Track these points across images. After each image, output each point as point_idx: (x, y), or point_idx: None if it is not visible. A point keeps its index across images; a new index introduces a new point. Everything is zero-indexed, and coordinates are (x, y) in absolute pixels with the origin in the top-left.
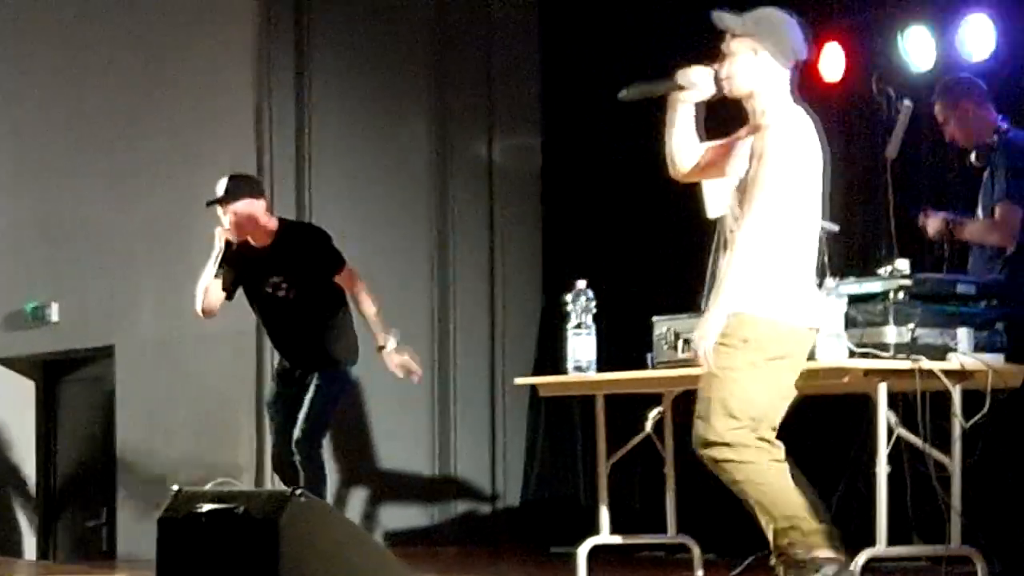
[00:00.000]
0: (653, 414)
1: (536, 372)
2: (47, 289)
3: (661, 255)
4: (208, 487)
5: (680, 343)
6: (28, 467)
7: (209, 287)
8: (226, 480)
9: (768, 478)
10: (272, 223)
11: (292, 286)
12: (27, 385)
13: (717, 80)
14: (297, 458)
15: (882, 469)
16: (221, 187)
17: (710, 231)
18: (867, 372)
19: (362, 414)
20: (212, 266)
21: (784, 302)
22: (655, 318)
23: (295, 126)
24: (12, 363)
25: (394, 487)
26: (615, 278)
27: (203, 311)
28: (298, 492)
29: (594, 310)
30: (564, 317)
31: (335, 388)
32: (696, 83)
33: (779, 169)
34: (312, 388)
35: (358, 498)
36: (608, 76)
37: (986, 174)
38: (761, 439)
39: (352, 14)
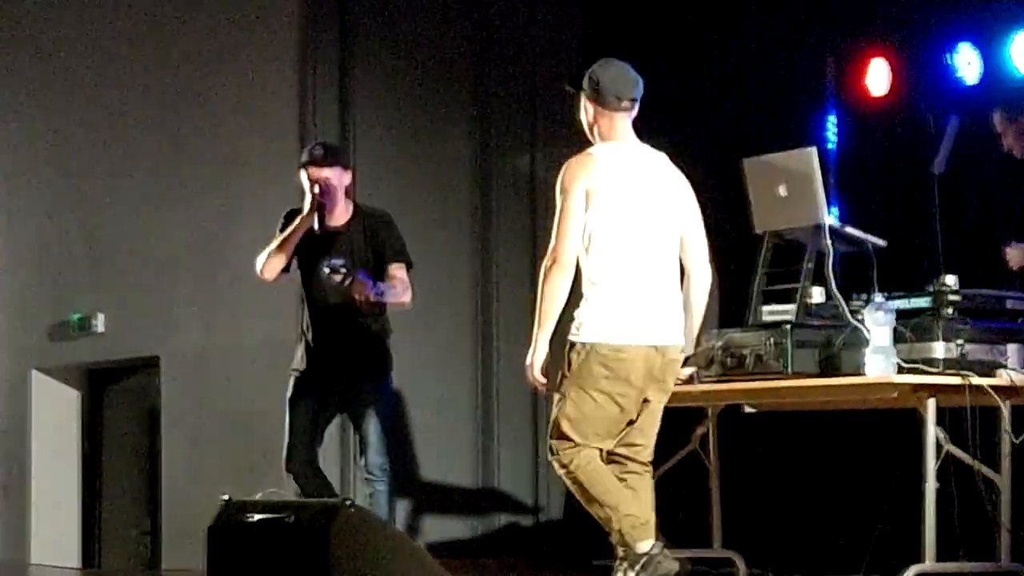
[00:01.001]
0: (699, 428)
1: None
2: (92, 300)
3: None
4: (257, 496)
5: (728, 359)
6: (72, 476)
7: (282, 251)
8: (274, 491)
9: (597, 482)
10: (349, 203)
11: (351, 272)
12: (72, 395)
13: None
14: (373, 477)
15: (931, 485)
16: (314, 151)
17: (757, 246)
18: (916, 387)
19: (405, 425)
20: (295, 231)
21: (601, 326)
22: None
23: (338, 139)
24: (58, 373)
25: (437, 499)
26: None
27: (263, 272)
28: (348, 502)
29: None
30: None
31: (393, 398)
32: None
33: (562, 203)
34: (372, 404)
35: (401, 509)
36: (650, 88)
37: None
38: (613, 458)
39: (395, 29)
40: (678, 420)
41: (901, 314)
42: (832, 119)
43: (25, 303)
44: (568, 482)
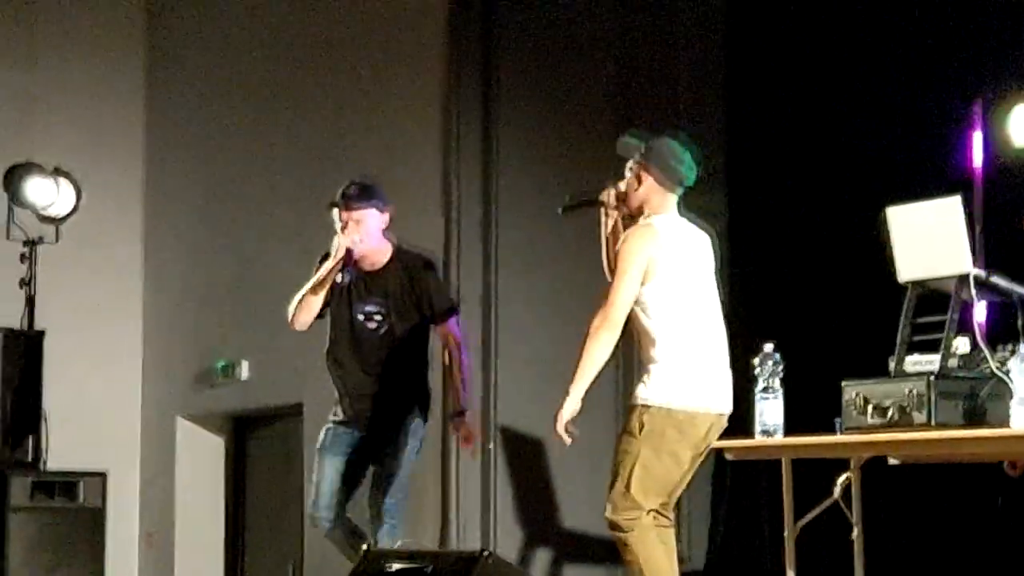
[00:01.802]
0: (841, 479)
1: (723, 436)
2: (237, 347)
3: (851, 318)
4: (398, 545)
5: (870, 408)
6: (217, 523)
7: (313, 298)
8: (412, 540)
9: (651, 555)
10: (387, 244)
11: (387, 319)
12: (216, 441)
13: (619, 197)
14: (384, 518)
15: None
16: (347, 191)
17: (901, 295)
18: None
19: (546, 475)
20: (324, 276)
21: (676, 390)
22: (844, 382)
23: (481, 189)
24: (202, 420)
25: (578, 548)
26: (803, 341)
27: (294, 321)
28: (486, 552)
29: (782, 373)
30: (752, 380)
31: (414, 443)
32: (611, 201)
33: (623, 268)
34: (391, 446)
35: (542, 559)
36: (795, 138)
37: None
38: (656, 515)
39: (539, 75)
40: (820, 471)
41: None
42: (978, 167)
43: (171, 351)
44: (620, 543)
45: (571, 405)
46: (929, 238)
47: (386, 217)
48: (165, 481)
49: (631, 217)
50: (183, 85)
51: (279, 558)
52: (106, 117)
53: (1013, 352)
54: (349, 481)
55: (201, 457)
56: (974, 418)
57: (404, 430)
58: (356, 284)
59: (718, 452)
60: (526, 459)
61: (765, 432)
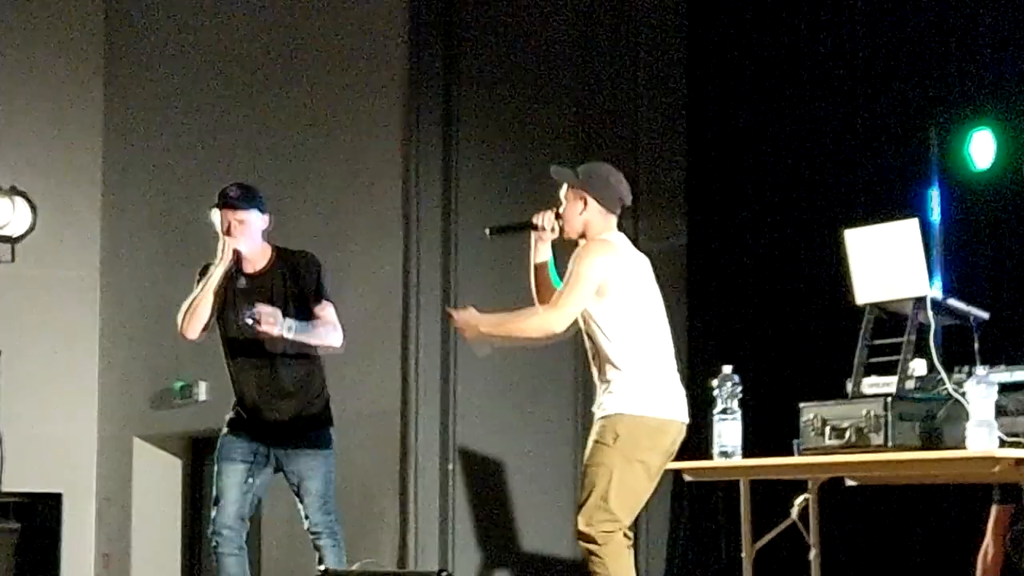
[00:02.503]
0: (799, 501)
1: (680, 457)
2: (195, 368)
3: (808, 340)
4: (355, 567)
5: (827, 430)
6: (174, 543)
7: (202, 303)
8: (370, 561)
9: (621, 572)
10: (267, 247)
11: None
12: (174, 463)
13: (558, 216)
14: (320, 535)
15: None
16: (230, 192)
17: (858, 317)
18: (1018, 461)
19: (505, 495)
20: (214, 280)
21: (646, 399)
22: (802, 404)
23: (441, 205)
24: (160, 441)
25: (536, 569)
26: (762, 363)
27: (185, 329)
28: (444, 573)
29: (740, 395)
30: (711, 402)
31: (329, 453)
32: (545, 226)
33: (581, 272)
34: (309, 461)
35: None
36: (755, 161)
37: None
38: (624, 532)
39: (498, 97)
40: (778, 492)
41: (1003, 387)
42: (935, 191)
43: (128, 371)
44: (590, 557)
45: (475, 319)
46: (886, 261)
47: (267, 218)
48: (122, 502)
49: (573, 243)
50: (141, 104)
51: None
52: (63, 137)
53: (969, 374)
54: (252, 495)
55: (158, 478)
56: (931, 440)
57: (314, 444)
58: (242, 289)
59: (676, 473)
60: (485, 480)
61: (723, 454)
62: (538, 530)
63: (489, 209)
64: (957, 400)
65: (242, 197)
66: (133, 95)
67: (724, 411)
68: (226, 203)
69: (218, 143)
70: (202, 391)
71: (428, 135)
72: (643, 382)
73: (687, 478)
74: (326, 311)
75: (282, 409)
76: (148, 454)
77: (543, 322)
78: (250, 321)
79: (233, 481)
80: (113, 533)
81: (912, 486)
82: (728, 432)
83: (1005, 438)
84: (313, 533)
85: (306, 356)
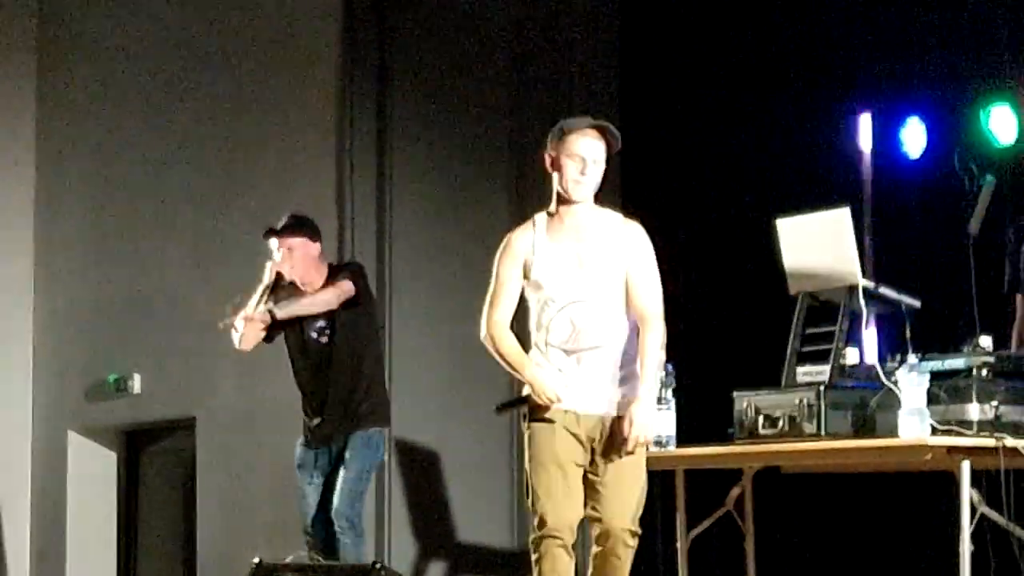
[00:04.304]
0: (734, 490)
1: None
2: (129, 360)
3: (742, 329)
4: (289, 559)
5: (761, 419)
6: (109, 536)
7: (249, 321)
8: (303, 553)
9: None
10: (324, 269)
11: (332, 330)
12: (109, 456)
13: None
14: (338, 527)
15: (965, 548)
16: (281, 222)
17: (792, 306)
18: (950, 449)
19: (440, 485)
20: (256, 298)
21: None
22: (736, 393)
23: (376, 199)
24: (94, 434)
25: (472, 560)
26: (696, 352)
27: (242, 343)
28: (378, 565)
29: (673, 384)
30: None
31: (369, 453)
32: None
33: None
34: (347, 455)
35: (436, 571)
36: (688, 150)
37: None
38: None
39: (433, 87)
40: (712, 481)
41: (935, 375)
42: (867, 179)
43: (62, 364)
44: (628, 553)
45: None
46: (819, 250)
47: (318, 245)
48: (56, 496)
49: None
50: (75, 95)
51: (172, 571)
52: None
53: (902, 362)
54: (317, 494)
55: (93, 471)
56: (863, 428)
57: (357, 439)
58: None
59: None
60: (421, 472)
61: (658, 443)
62: (474, 521)
63: (423, 202)
64: (890, 388)
65: (288, 225)
66: (67, 87)
67: (658, 400)
68: (272, 231)
69: (154, 132)
70: (136, 383)
71: (361, 134)
72: None
73: None
74: (337, 279)
75: (338, 399)
76: (83, 447)
77: (663, 333)
78: (314, 335)
79: (301, 487)
80: (48, 527)
81: (846, 474)
82: (662, 422)
83: (937, 426)
84: (338, 527)
85: (368, 361)
